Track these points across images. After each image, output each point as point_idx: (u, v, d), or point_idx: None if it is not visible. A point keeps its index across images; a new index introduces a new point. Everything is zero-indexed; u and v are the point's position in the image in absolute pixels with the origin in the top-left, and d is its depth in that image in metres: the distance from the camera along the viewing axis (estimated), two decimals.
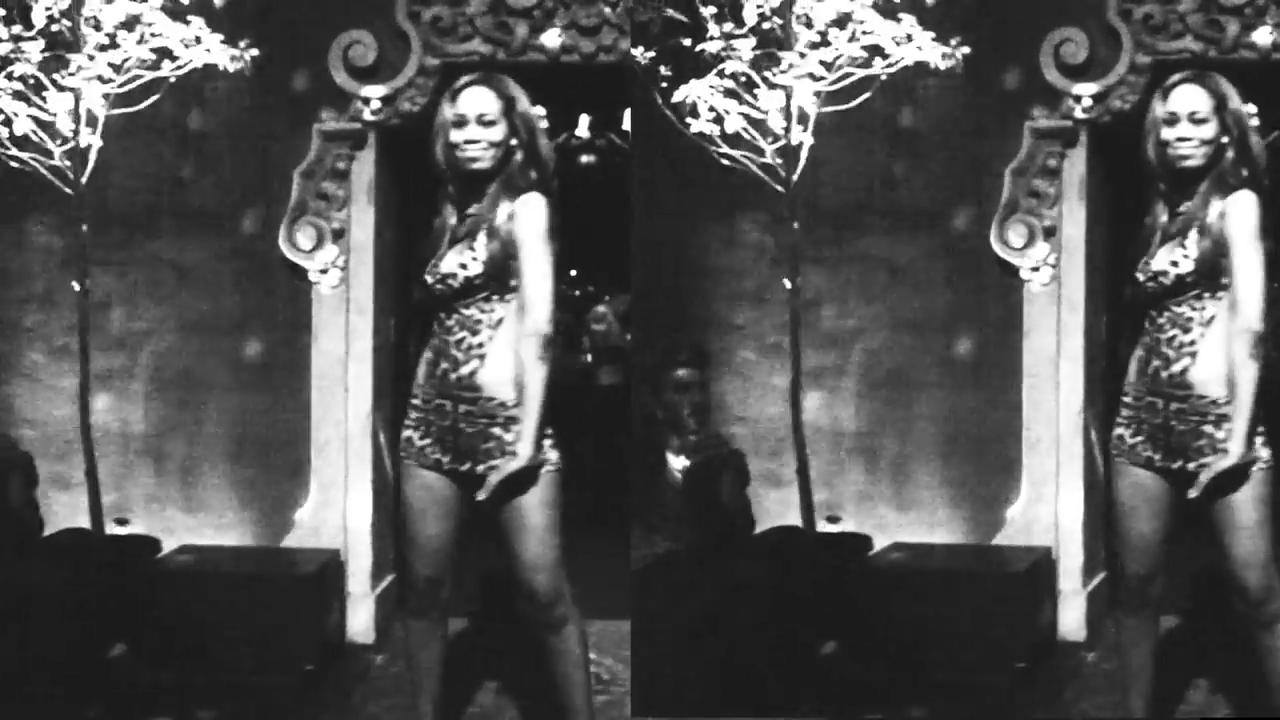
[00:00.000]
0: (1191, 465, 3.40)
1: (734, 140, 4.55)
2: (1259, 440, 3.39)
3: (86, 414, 4.62)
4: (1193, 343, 3.40)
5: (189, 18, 4.50)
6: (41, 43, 4.41)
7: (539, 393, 3.33)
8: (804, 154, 4.53)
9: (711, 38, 4.48)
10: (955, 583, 4.57)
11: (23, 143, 4.50)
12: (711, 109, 4.48)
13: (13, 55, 4.40)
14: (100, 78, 4.44)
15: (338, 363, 4.91)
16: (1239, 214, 3.36)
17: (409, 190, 5.00)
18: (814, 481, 4.68)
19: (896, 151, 4.95)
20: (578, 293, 9.08)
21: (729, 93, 4.49)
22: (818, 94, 4.50)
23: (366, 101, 4.82)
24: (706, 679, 4.13)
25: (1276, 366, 3.47)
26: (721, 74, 4.50)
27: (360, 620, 4.91)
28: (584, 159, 8.32)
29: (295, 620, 4.55)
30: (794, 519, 4.71)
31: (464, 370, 3.38)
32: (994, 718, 4.38)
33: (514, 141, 3.42)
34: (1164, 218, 3.48)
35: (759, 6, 4.43)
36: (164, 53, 4.49)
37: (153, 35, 4.46)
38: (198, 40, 4.50)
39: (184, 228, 4.96)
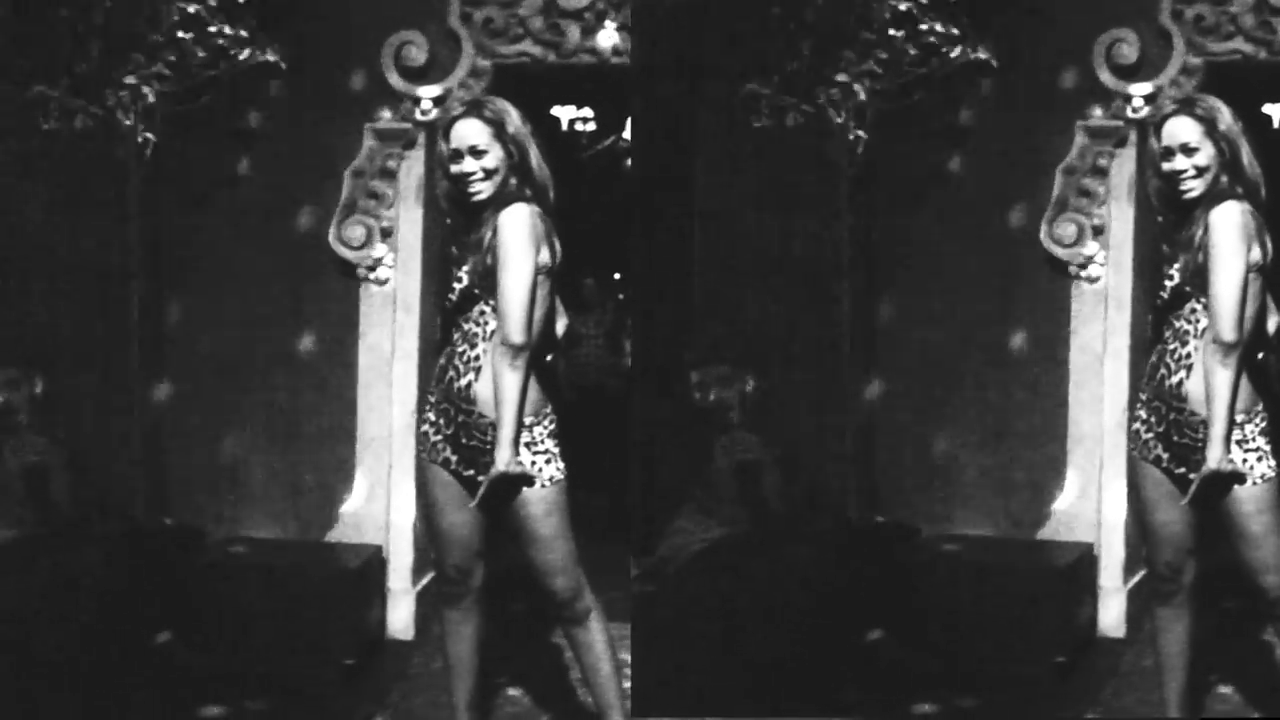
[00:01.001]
0: (1193, 476, 3.43)
1: (793, 136, 4.60)
2: (1256, 455, 3.42)
3: (138, 404, 4.64)
4: (1189, 355, 3.44)
5: (245, 17, 4.56)
6: (103, 40, 4.48)
7: (512, 401, 3.33)
8: (861, 150, 4.61)
9: (775, 35, 4.55)
10: (998, 575, 4.61)
11: (82, 138, 4.56)
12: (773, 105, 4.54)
13: (75, 52, 4.47)
14: (158, 75, 4.50)
15: (384, 360, 4.93)
16: (1219, 225, 3.38)
17: None
18: (863, 472, 4.69)
19: (951, 148, 4.99)
20: (621, 297, 9.00)
21: (790, 89, 4.55)
22: (876, 91, 4.56)
23: (418, 101, 4.87)
24: (746, 668, 4.14)
25: (1277, 379, 3.52)
26: (783, 71, 4.57)
27: (401, 617, 4.92)
28: (629, 163, 8.28)
29: (336, 614, 4.58)
30: (844, 508, 4.73)
31: (462, 382, 3.42)
32: (1032, 711, 4.39)
33: (509, 164, 3.43)
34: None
35: (820, 5, 4.50)
36: (220, 52, 4.54)
37: (209, 34, 4.51)
38: (253, 40, 4.56)
39: (237, 223, 4.99)
